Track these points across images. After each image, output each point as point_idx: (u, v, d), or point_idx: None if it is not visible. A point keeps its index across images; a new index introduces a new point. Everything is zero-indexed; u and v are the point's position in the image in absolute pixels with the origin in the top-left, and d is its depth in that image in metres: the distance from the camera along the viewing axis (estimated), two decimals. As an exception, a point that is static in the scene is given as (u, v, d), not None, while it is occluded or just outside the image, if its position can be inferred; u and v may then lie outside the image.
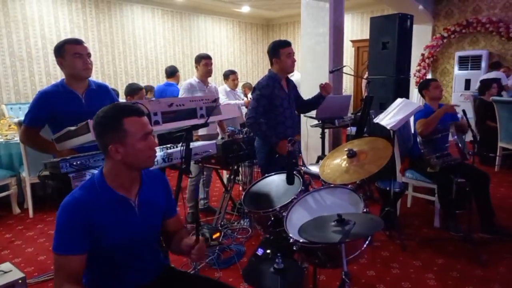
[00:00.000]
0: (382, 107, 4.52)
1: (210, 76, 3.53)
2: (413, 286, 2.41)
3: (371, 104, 3.84)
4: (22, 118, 4.86)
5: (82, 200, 1.28)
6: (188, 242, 1.39)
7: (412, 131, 3.43)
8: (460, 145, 2.83)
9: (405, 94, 4.72)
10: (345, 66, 4.00)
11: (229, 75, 4.49)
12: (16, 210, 3.95)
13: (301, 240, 1.42)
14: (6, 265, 2.41)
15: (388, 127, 2.84)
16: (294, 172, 1.76)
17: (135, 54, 7.37)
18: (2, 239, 3.31)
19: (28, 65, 5.86)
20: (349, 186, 1.64)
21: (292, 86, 2.94)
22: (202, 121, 1.98)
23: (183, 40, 8.26)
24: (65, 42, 2.16)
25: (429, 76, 8.05)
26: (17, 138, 3.67)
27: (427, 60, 8.00)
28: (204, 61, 3.46)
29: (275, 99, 2.73)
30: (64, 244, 1.25)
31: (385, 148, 1.57)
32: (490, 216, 3.04)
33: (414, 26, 6.17)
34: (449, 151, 3.04)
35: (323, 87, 2.88)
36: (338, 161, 1.67)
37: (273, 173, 2.07)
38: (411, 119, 3.27)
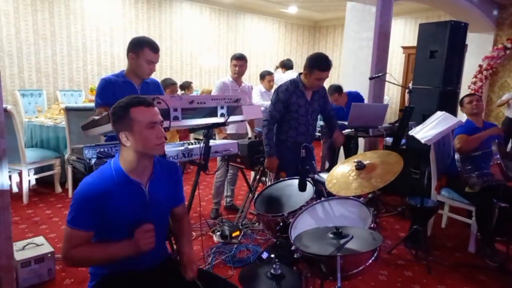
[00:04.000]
0: (425, 119, 4.27)
1: (240, 76, 3.55)
2: (433, 311, 2.26)
3: (411, 115, 3.67)
4: (73, 104, 5.22)
5: (96, 185, 1.37)
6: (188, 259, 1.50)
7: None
8: (503, 165, 2.60)
9: (451, 108, 4.42)
10: (385, 73, 3.85)
11: (265, 76, 4.47)
12: (58, 189, 4.25)
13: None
14: (40, 239, 2.61)
15: (423, 141, 2.68)
16: (308, 179, 1.72)
17: (181, 50, 7.60)
18: (43, 215, 3.57)
19: (83, 55, 6.27)
20: (361, 199, 1.57)
21: (320, 96, 2.91)
22: (222, 120, 1.99)
23: (228, 38, 8.38)
24: (146, 43, 2.23)
25: (485, 89, 7.49)
26: (64, 123, 3.94)
27: (484, 72, 7.43)
28: (233, 62, 3.49)
29: (291, 105, 2.73)
30: (75, 220, 1.35)
31: (396, 163, 1.48)
32: (533, 248, 2.76)
33: (474, 34, 5.73)
34: (490, 170, 2.81)
35: (335, 138, 3.00)
36: (346, 171, 1.61)
37: (287, 178, 2.04)
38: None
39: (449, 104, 4.36)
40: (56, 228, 3.26)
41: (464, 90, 7.10)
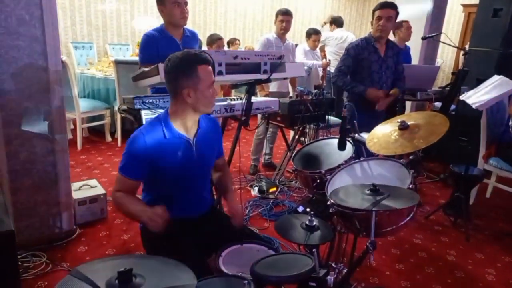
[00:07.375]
0: (479, 84, 3.99)
1: (285, 32, 3.46)
2: (467, 276, 2.26)
3: (464, 79, 3.45)
4: (121, 57, 5.39)
5: (147, 142, 1.42)
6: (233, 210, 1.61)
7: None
8: None
9: (511, 72, 4.08)
10: (440, 33, 3.59)
11: (312, 35, 4.31)
12: (108, 138, 4.54)
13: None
14: (93, 182, 2.86)
15: (474, 106, 2.54)
16: (347, 139, 1.72)
17: (226, 5, 7.46)
18: (95, 161, 3.88)
19: (130, 9, 6.36)
20: (402, 160, 1.56)
21: (395, 53, 2.87)
22: (265, 76, 1.99)
23: (273, -8, 8.07)
24: None
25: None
26: (114, 75, 4.12)
27: (555, 34, 6.66)
28: (280, 17, 3.40)
29: (362, 61, 2.72)
30: (126, 169, 1.47)
31: (441, 124, 1.43)
32: None
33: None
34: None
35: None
36: (388, 131, 1.58)
37: (326, 137, 2.05)
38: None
39: (509, 68, 4.02)
40: (107, 174, 3.53)
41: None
